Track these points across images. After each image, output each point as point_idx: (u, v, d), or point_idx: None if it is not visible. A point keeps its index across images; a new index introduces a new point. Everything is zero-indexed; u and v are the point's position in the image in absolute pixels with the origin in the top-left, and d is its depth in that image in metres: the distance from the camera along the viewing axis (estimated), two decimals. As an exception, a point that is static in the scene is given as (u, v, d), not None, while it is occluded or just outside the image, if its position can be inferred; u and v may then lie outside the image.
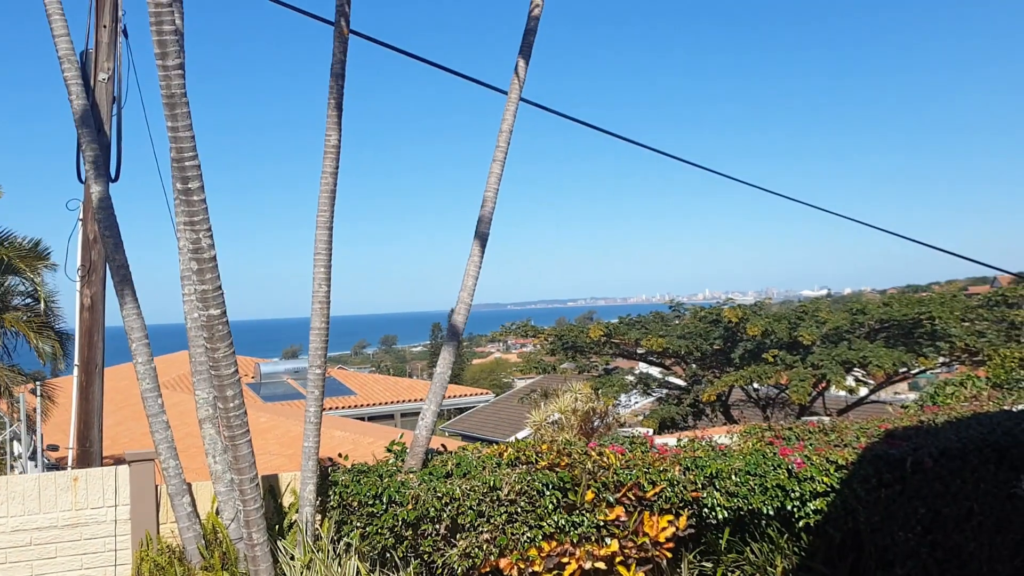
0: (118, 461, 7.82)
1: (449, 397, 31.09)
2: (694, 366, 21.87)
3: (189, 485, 6.80)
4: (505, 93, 7.73)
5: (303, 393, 29.75)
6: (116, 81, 7.65)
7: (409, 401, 28.85)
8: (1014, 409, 9.78)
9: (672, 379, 23.49)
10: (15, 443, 13.05)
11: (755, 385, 20.72)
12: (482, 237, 7.48)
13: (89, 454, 7.37)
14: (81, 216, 7.60)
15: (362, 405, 28.66)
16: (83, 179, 7.25)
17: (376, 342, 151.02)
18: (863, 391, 21.64)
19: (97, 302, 7.45)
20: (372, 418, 27.32)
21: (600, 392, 19.32)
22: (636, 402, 24.32)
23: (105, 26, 7.65)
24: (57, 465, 12.64)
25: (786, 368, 19.32)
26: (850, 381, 19.60)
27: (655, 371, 23.87)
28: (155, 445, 6.60)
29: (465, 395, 31.84)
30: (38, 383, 13.80)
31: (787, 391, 19.15)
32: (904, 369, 19.67)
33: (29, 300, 14.32)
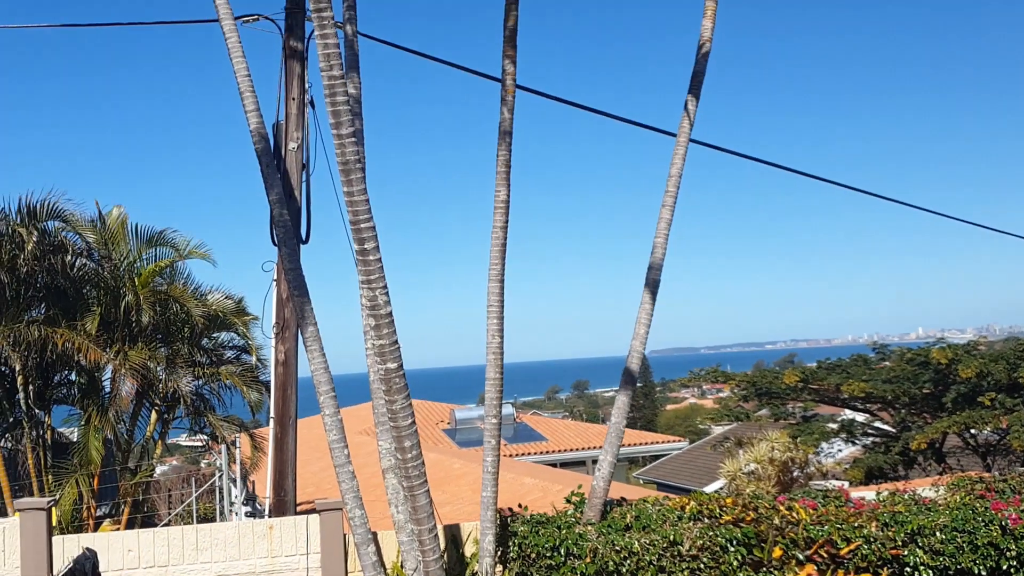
0: (313, 508, 8.17)
1: (641, 444, 30.66)
2: (902, 411, 20.51)
3: (374, 534, 7.00)
4: (673, 136, 7.64)
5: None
6: (304, 149, 8.15)
7: (600, 447, 28.66)
8: None
9: (879, 425, 22.12)
10: (231, 488, 13.99)
11: (972, 431, 19.16)
12: (652, 284, 7.37)
13: (284, 503, 7.75)
14: (275, 277, 8.11)
15: (553, 451, 28.74)
16: (276, 242, 7.72)
17: (568, 387, 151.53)
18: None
19: (290, 357, 7.87)
20: (563, 464, 27.32)
21: (799, 440, 18.47)
22: (840, 450, 23.01)
23: (294, 98, 8.19)
24: (259, 511, 13.40)
25: (1006, 412, 17.76)
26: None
27: (860, 417, 22.57)
28: (342, 495, 6.84)
29: (658, 442, 31.32)
30: (237, 434, 14.72)
31: (1008, 437, 17.58)
32: None
33: (238, 353, 15.38)
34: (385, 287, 5.69)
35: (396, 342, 5.80)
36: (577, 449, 29.09)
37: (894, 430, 20.93)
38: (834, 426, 21.01)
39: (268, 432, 16.29)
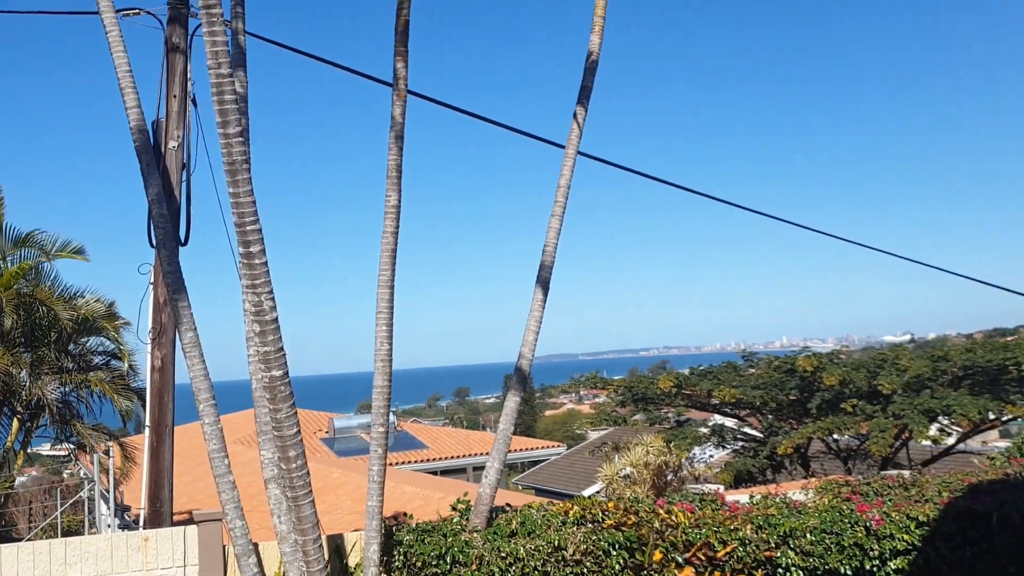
0: (190, 519, 7.91)
1: (521, 450, 30.87)
2: (770, 417, 21.36)
3: (255, 545, 6.82)
4: (562, 147, 7.76)
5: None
6: (186, 148, 7.90)
7: (481, 454, 28.72)
8: (1110, 461, 9.27)
9: (748, 430, 22.97)
10: (101, 502, 13.35)
11: (835, 436, 20.12)
12: (544, 283, 7.48)
13: (160, 514, 7.47)
14: (152, 280, 7.82)
15: (434, 459, 28.64)
16: (154, 244, 7.45)
17: (449, 394, 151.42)
18: (949, 440, 20.83)
19: (167, 363, 7.60)
20: (444, 472, 27.25)
21: (672, 445, 18.98)
22: (711, 455, 23.79)
23: (175, 96, 7.93)
24: (131, 524, 12.87)
25: (866, 418, 18.74)
26: (934, 431, 18.89)
27: (730, 422, 23.38)
28: (222, 505, 6.64)
29: (537, 448, 31.60)
30: (109, 443, 14.13)
31: (868, 442, 18.54)
32: (992, 417, 18.90)
33: (107, 359, 14.74)
34: (271, 292, 5.56)
35: (281, 348, 5.67)
36: (458, 456, 29.08)
37: (762, 435, 21.78)
38: (706, 431, 21.72)
39: (139, 441, 15.68)
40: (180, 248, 7.62)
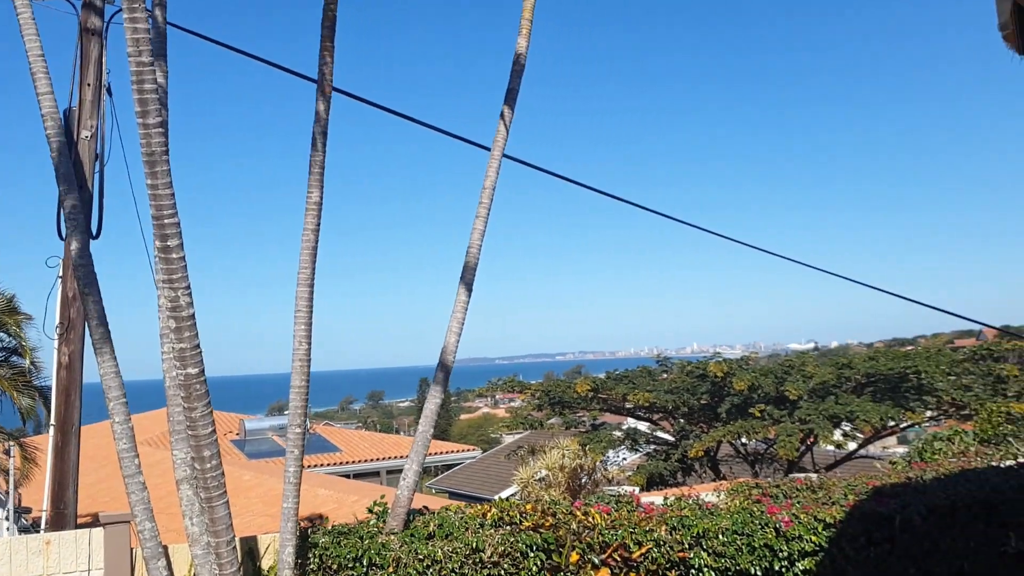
0: (96, 521, 7.65)
1: (436, 454, 30.76)
2: (682, 421, 21.77)
3: (165, 548, 6.63)
4: (488, 149, 7.77)
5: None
6: (99, 139, 7.66)
7: (395, 458, 28.53)
8: (1002, 465, 9.73)
9: (661, 434, 23.37)
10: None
11: (743, 440, 20.62)
12: (468, 284, 7.47)
13: (64, 516, 7.20)
14: (60, 273, 7.54)
15: (347, 462, 28.32)
16: (63, 236, 7.19)
17: (363, 397, 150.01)
18: (852, 445, 21.56)
19: (75, 360, 7.34)
20: (357, 475, 26.96)
21: (588, 448, 19.19)
22: (624, 458, 24.12)
23: (89, 84, 7.67)
24: (30, 527, 12.39)
25: (773, 423, 19.25)
26: (838, 436, 19.54)
27: (643, 426, 23.74)
28: (131, 507, 6.44)
29: (452, 451, 31.51)
30: (11, 443, 13.59)
31: (775, 446, 19.05)
32: (892, 423, 19.63)
33: (7, 355, 14.14)
34: (188, 288, 5.42)
35: (198, 346, 5.54)
36: (371, 460, 28.82)
37: (674, 439, 22.18)
38: (620, 434, 22.01)
39: (40, 441, 15.08)
40: (92, 241, 7.36)
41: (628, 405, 21.69)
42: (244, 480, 19.49)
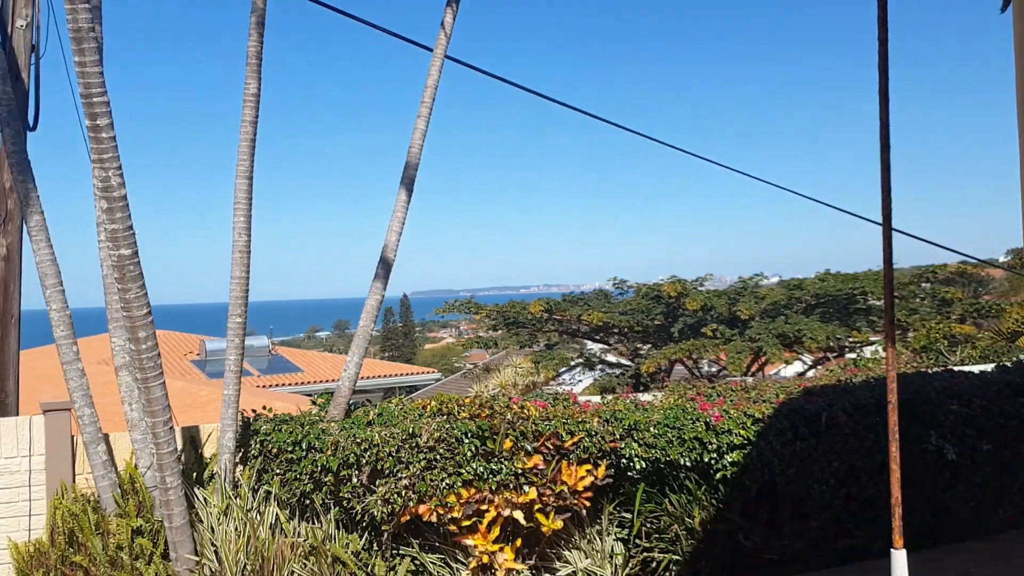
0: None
1: (398, 375, 31.05)
2: (636, 342, 22.13)
3: (106, 436, 6.76)
4: (431, 50, 7.77)
5: (250, 371, 29.40)
6: (35, 29, 7.54)
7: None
8: (930, 371, 10.08)
9: (613, 358, 23.74)
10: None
11: (695, 359, 21.04)
12: (408, 183, 7.56)
13: (5, 405, 7.28)
14: (-2, 165, 7.49)
15: (309, 382, 28.52)
16: (-1, 127, 7.13)
17: (329, 326, 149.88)
18: (800, 367, 22.09)
19: (13, 251, 7.35)
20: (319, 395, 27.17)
21: (540, 366, 19.51)
22: (580, 380, 24.53)
23: (22, -28, 7.52)
24: None
25: (724, 342, 19.64)
26: (787, 356, 20.01)
27: (598, 349, 24.09)
28: (70, 393, 6.55)
29: (414, 373, 31.83)
30: None
31: (728, 366, 19.48)
32: (840, 342, 20.12)
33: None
34: (119, 168, 5.45)
35: (131, 227, 5.59)
36: (333, 380, 28.99)
37: (628, 360, 22.57)
38: (574, 355, 22.35)
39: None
40: (28, 133, 7.30)
41: (583, 328, 21.99)
42: (202, 395, 19.61)
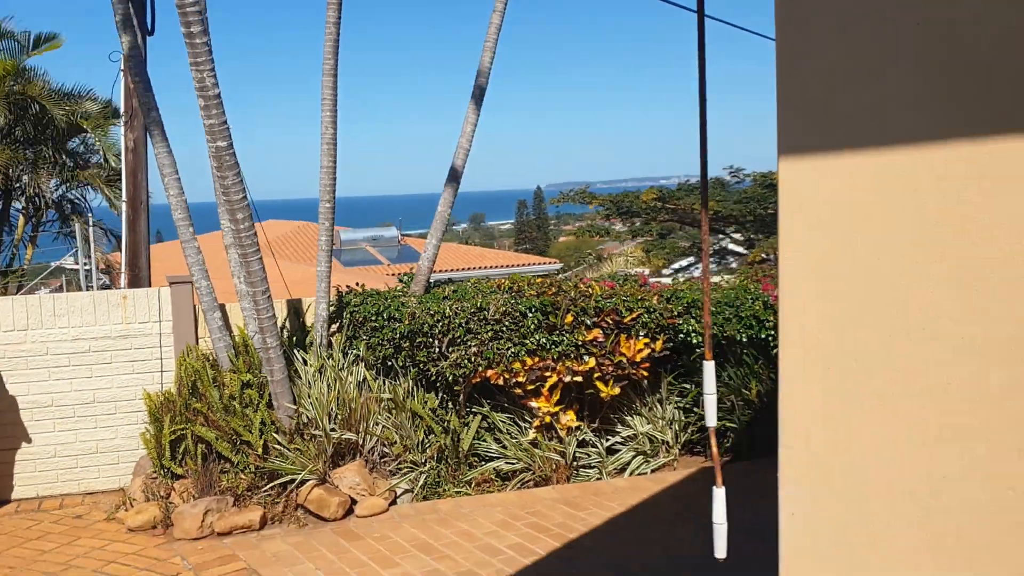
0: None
1: (519, 265, 31.94)
2: (750, 231, 22.15)
3: (221, 304, 7.80)
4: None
5: (380, 259, 31.01)
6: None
7: (479, 268, 29.87)
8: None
9: (730, 246, 23.82)
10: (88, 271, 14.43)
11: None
12: (479, 89, 8.09)
13: (138, 278, 8.44)
14: (123, 67, 8.47)
15: (434, 271, 29.73)
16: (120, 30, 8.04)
17: (466, 219, 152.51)
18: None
19: (139, 144, 8.38)
20: (442, 284, 28.39)
21: (651, 254, 19.92)
22: (692, 268, 24.76)
23: None
24: (111, 286, 13.98)
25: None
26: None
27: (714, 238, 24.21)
28: (188, 268, 7.58)
29: (534, 263, 32.70)
30: (92, 224, 15.02)
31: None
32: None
33: (100, 157, 15.48)
34: (212, 69, 6.24)
35: (225, 122, 6.41)
36: (458, 269, 30.23)
37: (743, 249, 22.66)
38: (687, 244, 22.59)
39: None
40: (149, 38, 8.21)
41: (696, 215, 22.12)
42: (334, 282, 21.07)
